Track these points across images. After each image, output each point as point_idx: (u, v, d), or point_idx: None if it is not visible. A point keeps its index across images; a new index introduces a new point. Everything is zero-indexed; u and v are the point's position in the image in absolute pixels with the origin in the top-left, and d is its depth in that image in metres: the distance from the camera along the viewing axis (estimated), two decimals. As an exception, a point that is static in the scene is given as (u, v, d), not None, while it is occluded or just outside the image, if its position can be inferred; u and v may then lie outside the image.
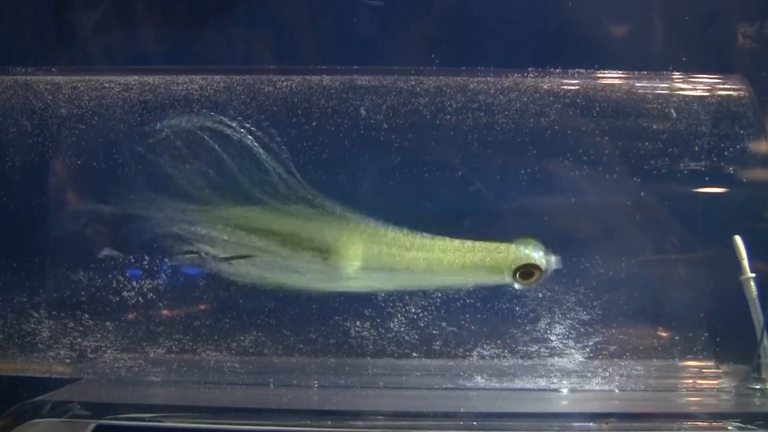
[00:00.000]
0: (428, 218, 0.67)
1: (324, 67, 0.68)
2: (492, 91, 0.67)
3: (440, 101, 0.67)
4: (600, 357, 0.67)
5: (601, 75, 0.68)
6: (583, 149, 0.67)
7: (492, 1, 0.74)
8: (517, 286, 0.65)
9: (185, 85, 0.68)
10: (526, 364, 0.67)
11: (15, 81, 0.69)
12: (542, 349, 0.67)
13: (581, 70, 0.68)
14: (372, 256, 0.65)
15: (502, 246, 0.65)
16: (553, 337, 0.67)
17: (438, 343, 0.67)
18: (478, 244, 0.65)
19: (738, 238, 0.66)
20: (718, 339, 0.68)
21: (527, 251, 0.65)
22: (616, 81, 0.68)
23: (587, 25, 0.73)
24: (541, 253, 0.65)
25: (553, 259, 0.64)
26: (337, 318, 0.67)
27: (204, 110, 0.67)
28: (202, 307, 0.69)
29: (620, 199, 0.68)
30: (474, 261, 0.65)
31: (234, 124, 0.66)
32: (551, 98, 0.67)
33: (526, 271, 0.64)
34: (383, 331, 0.67)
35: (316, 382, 0.67)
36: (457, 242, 0.65)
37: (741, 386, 0.66)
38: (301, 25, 0.76)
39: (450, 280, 0.66)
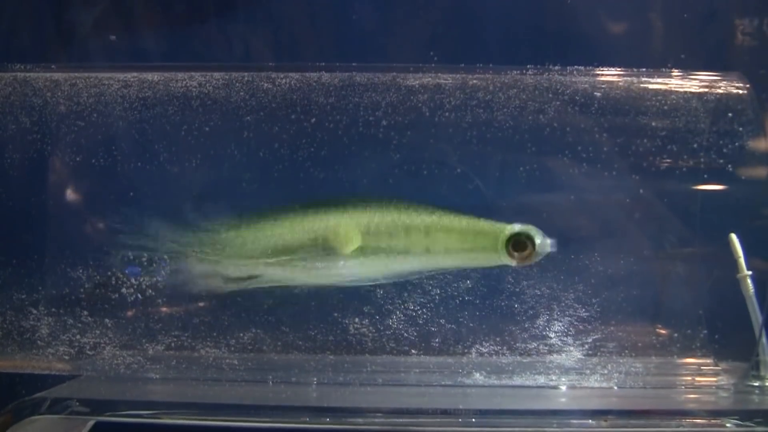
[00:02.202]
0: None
1: (323, 64, 0.68)
2: (491, 88, 0.67)
3: (439, 98, 0.67)
4: (599, 354, 0.67)
5: (601, 72, 0.68)
6: (582, 146, 0.67)
7: (491, -1, 0.75)
8: (510, 262, 0.65)
9: (184, 82, 0.68)
10: (524, 361, 0.67)
11: (14, 78, 0.69)
12: (541, 346, 0.67)
13: (580, 68, 0.68)
14: (368, 219, 0.65)
15: (498, 223, 0.65)
16: (551, 334, 0.67)
17: (437, 340, 0.67)
18: (474, 218, 0.65)
19: (734, 237, 0.66)
20: (716, 336, 0.67)
21: (521, 225, 0.64)
22: (615, 78, 0.68)
23: (586, 22, 0.73)
24: (537, 230, 0.64)
25: (548, 240, 0.64)
26: (335, 315, 0.67)
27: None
28: (200, 303, 0.69)
29: (619, 197, 0.68)
30: (469, 226, 0.64)
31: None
32: (550, 95, 0.67)
33: (519, 241, 0.64)
34: (382, 328, 0.67)
35: (314, 379, 0.67)
36: (453, 214, 0.65)
37: (740, 383, 0.66)
38: (300, 22, 0.76)
39: (444, 248, 0.65)
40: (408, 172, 0.68)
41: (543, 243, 0.64)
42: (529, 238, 0.64)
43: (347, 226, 0.65)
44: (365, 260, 0.66)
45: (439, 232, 0.65)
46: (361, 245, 0.65)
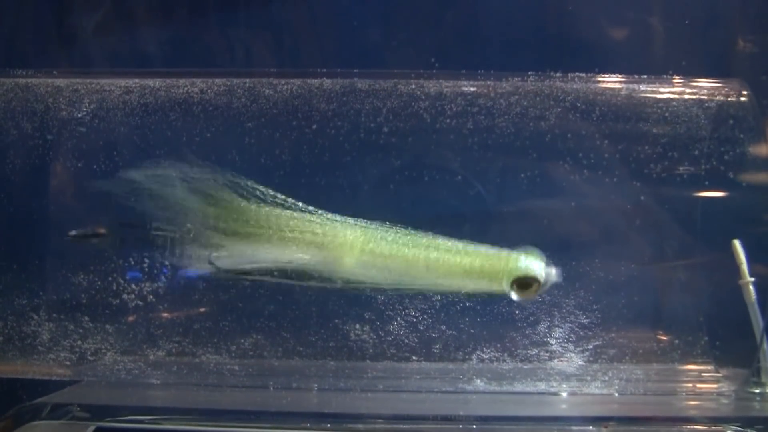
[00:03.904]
0: (428, 221, 0.67)
1: (324, 71, 0.68)
2: (492, 95, 0.67)
3: (440, 105, 0.67)
4: (599, 361, 0.67)
5: (602, 79, 0.68)
6: (583, 153, 0.67)
7: (493, 5, 0.74)
8: (514, 296, 0.64)
9: (186, 88, 0.68)
10: (525, 367, 0.67)
11: (16, 83, 0.69)
12: (542, 353, 0.67)
13: (581, 74, 0.68)
14: (370, 252, 0.65)
15: (503, 254, 0.64)
16: (552, 341, 0.67)
17: (437, 346, 0.67)
18: (479, 249, 0.64)
19: (737, 243, 0.66)
20: (717, 343, 0.68)
21: (527, 262, 0.63)
22: (617, 85, 0.68)
23: (588, 29, 0.73)
24: (542, 265, 0.63)
25: (552, 271, 0.63)
26: (336, 321, 0.67)
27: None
28: (201, 309, 0.69)
29: (620, 203, 0.68)
30: (473, 264, 0.64)
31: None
32: (551, 102, 0.67)
33: (524, 282, 0.63)
34: (383, 334, 0.67)
35: (315, 384, 0.67)
36: (457, 244, 0.65)
37: (740, 390, 0.66)
38: (301, 29, 0.76)
39: (447, 283, 0.65)
40: (409, 179, 0.68)
41: (548, 278, 0.63)
42: (535, 280, 0.63)
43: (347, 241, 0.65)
44: (363, 270, 0.65)
45: (440, 259, 0.64)
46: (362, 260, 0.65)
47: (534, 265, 0.62)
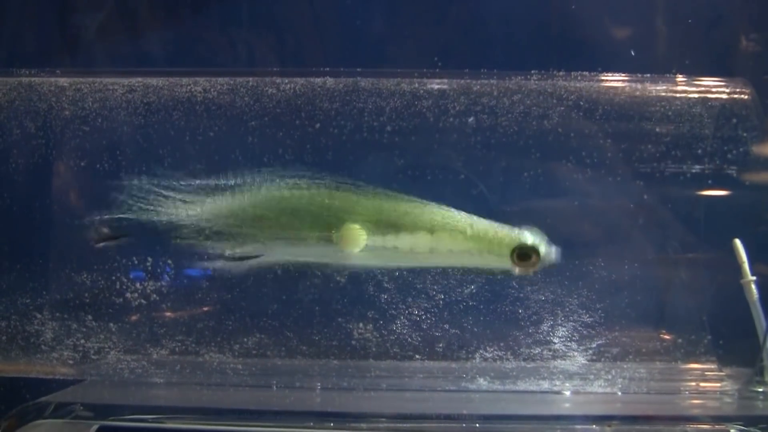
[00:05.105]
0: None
1: (327, 70, 0.68)
2: (495, 93, 0.67)
3: (444, 104, 0.67)
4: (603, 359, 0.67)
5: (605, 78, 0.68)
6: (586, 152, 0.67)
7: (495, 4, 0.74)
8: (515, 270, 0.65)
9: (189, 87, 0.68)
10: (528, 366, 0.67)
11: (19, 83, 0.69)
12: (545, 352, 0.67)
13: (585, 73, 0.68)
14: (376, 216, 0.65)
15: (505, 227, 0.65)
16: (555, 340, 0.67)
17: (441, 345, 0.67)
18: (482, 220, 0.65)
19: (738, 242, 0.66)
20: (720, 342, 0.68)
21: (529, 234, 0.64)
22: (620, 84, 0.68)
23: (591, 27, 0.73)
24: (543, 239, 0.64)
25: (552, 249, 0.64)
26: (339, 320, 0.68)
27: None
28: (205, 308, 0.69)
29: (623, 202, 0.68)
30: (475, 233, 0.64)
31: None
32: (554, 101, 0.67)
33: (524, 252, 0.64)
34: (386, 333, 0.67)
35: (318, 384, 0.67)
36: (461, 214, 0.65)
37: (744, 389, 0.66)
38: (304, 28, 0.76)
39: (448, 252, 0.65)
40: (412, 178, 0.68)
41: (547, 253, 0.64)
42: (535, 250, 0.64)
43: (355, 225, 0.65)
44: (369, 256, 0.65)
45: (445, 233, 0.65)
46: (367, 243, 0.65)
47: (535, 238, 0.64)
